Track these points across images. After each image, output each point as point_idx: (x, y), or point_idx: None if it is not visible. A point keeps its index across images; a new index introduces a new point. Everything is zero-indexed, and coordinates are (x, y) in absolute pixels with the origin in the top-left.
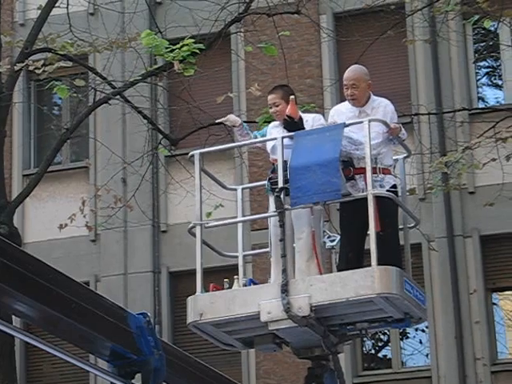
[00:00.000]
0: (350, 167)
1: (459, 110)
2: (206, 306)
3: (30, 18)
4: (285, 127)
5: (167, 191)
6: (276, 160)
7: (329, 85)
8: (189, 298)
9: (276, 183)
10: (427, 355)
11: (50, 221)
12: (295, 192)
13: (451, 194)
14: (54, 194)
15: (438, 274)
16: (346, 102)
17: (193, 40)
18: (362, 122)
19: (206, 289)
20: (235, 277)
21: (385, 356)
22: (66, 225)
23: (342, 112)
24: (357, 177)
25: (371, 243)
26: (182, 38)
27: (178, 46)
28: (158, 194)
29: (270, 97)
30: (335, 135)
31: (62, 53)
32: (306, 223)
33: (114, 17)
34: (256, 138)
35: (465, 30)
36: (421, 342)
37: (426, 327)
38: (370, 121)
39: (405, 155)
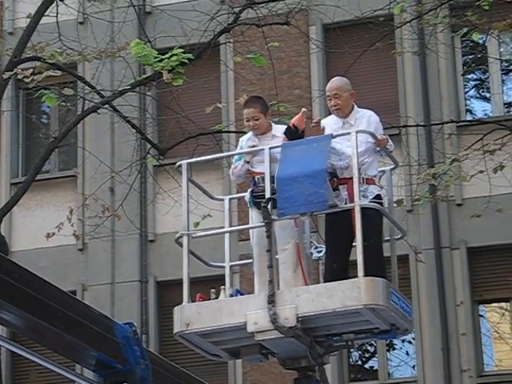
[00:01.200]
0: (333, 178)
1: (447, 123)
2: (193, 316)
3: (19, 26)
4: (285, 134)
5: (155, 201)
6: (256, 173)
7: (317, 96)
8: (175, 307)
9: (260, 196)
10: (414, 366)
11: (38, 229)
12: (282, 203)
13: (439, 206)
14: (42, 202)
15: (425, 285)
16: (332, 115)
17: (182, 50)
18: (349, 134)
19: (192, 299)
20: (222, 287)
21: (371, 367)
22: (54, 234)
23: (327, 124)
24: (340, 187)
25: (358, 254)
26: (171, 48)
27: (167, 55)
28: (145, 204)
29: (248, 110)
30: (323, 146)
31: (50, 61)
32: (291, 234)
33: (104, 26)
34: (235, 163)
35: (453, 42)
36: (407, 354)
37: (413, 338)
38: (357, 132)
39: (392, 166)
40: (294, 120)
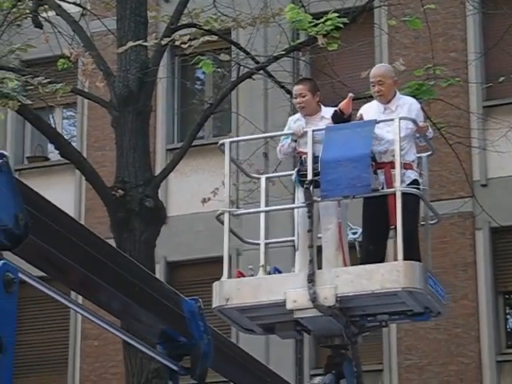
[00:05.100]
0: (372, 162)
1: None
2: (233, 292)
3: None
4: (332, 118)
5: None
6: (303, 153)
7: (474, 59)
8: (214, 283)
9: (305, 175)
10: None
11: (193, 195)
12: (326, 185)
13: None
14: (197, 168)
15: None
16: (374, 101)
17: (337, 14)
18: (392, 120)
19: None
20: (260, 264)
21: None
22: (209, 199)
23: (369, 109)
24: (378, 171)
25: (397, 238)
26: (326, 13)
27: (321, 20)
28: None
29: (297, 87)
30: (366, 131)
31: (206, 28)
32: (334, 215)
33: None
34: (282, 141)
35: None
36: None
37: None
38: (400, 119)
39: (429, 153)
40: (341, 105)
